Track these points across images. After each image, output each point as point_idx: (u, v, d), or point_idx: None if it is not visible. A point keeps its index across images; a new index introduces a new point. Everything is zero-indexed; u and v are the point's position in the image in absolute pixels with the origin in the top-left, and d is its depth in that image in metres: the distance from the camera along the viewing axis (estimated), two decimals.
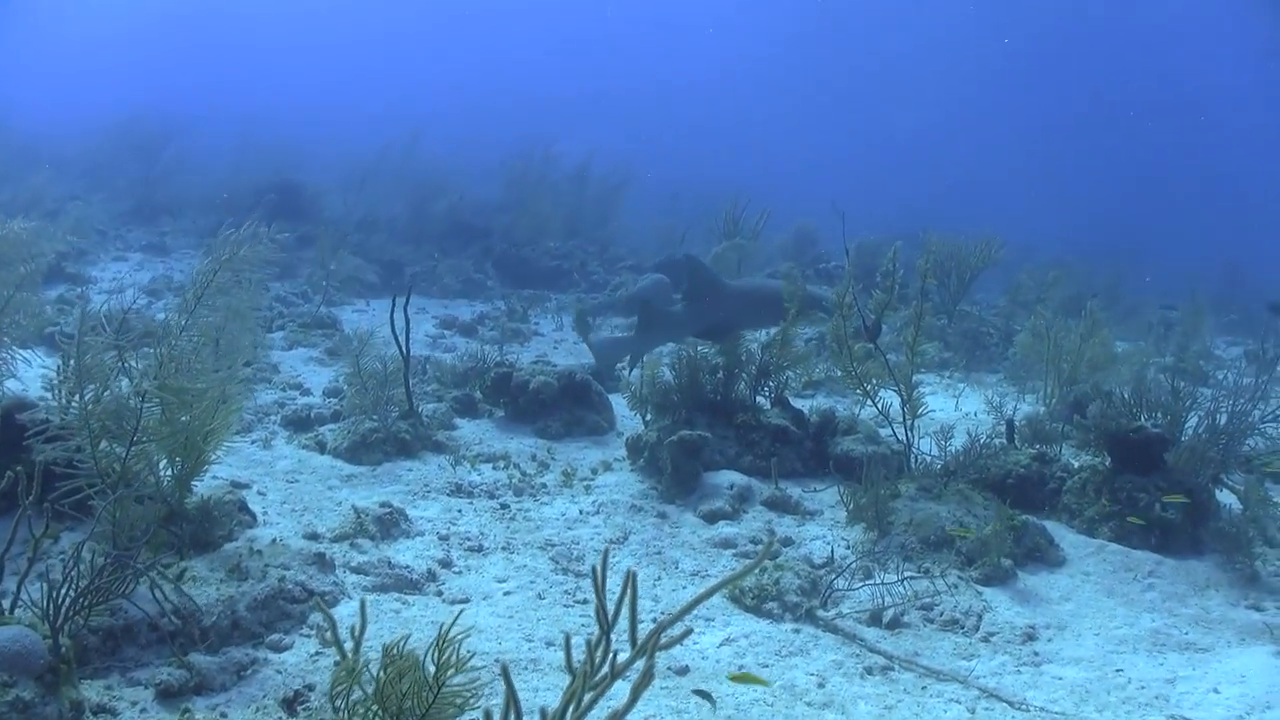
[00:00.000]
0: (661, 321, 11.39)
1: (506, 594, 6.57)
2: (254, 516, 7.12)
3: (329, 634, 4.28)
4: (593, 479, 8.94)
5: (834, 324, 9.16)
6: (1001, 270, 20.77)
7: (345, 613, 6.03)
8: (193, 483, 6.61)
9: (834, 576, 6.99)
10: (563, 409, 10.20)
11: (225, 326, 6.75)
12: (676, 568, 7.25)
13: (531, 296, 18.71)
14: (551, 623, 6.20)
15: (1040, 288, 18.35)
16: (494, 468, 9.00)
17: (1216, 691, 6.12)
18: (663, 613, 6.49)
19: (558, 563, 7.10)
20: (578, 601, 6.53)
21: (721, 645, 6.13)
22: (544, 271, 20.78)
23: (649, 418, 9.73)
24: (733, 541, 7.71)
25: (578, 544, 7.47)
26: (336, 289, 16.90)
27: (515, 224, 24.09)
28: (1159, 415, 9.24)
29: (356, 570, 6.60)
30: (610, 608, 3.43)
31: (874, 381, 9.15)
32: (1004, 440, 9.64)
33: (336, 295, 16.81)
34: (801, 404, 11.08)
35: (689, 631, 3.85)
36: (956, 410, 12.86)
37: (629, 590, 3.52)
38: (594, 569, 3.68)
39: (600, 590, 3.60)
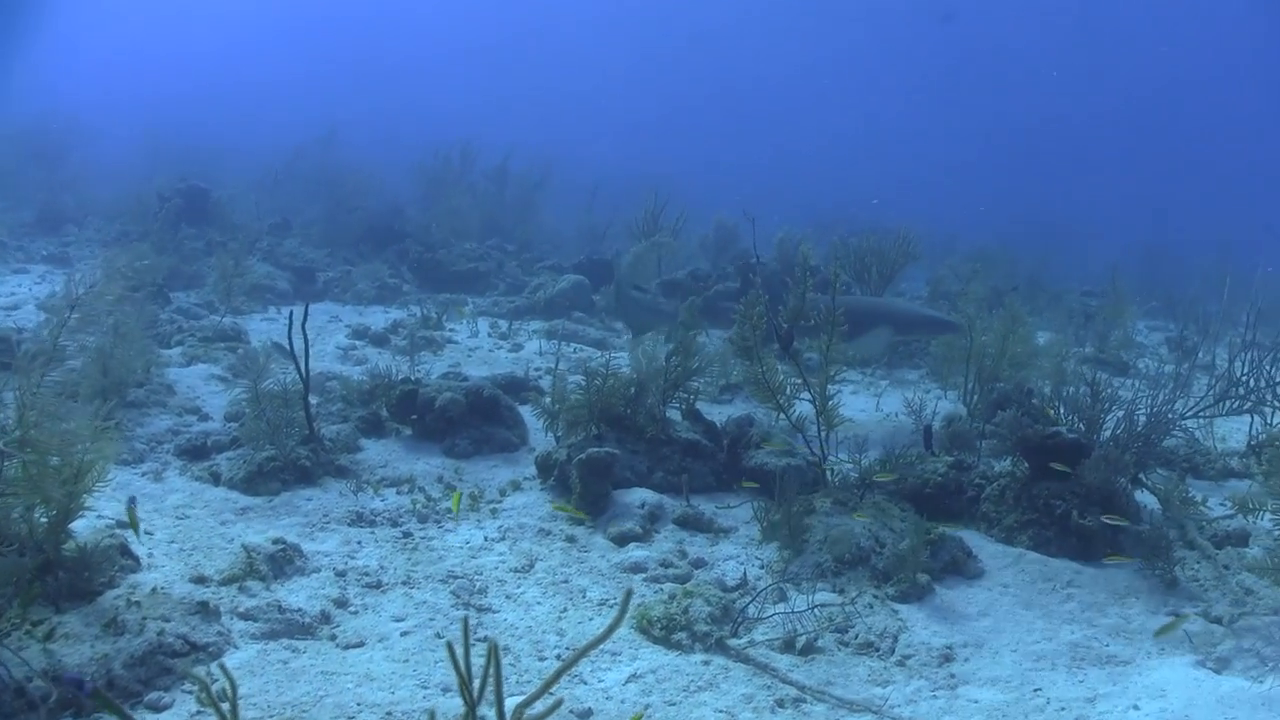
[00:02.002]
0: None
1: (404, 634, 6.29)
2: (137, 560, 6.74)
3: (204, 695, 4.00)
4: (500, 501, 8.65)
5: (739, 332, 8.95)
6: (930, 261, 20.77)
7: (234, 663, 5.74)
8: (70, 526, 6.26)
9: (747, 602, 6.78)
10: (471, 426, 9.87)
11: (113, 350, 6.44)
12: (584, 597, 7.00)
13: (448, 301, 18.35)
14: (450, 665, 5.94)
15: (960, 280, 18.20)
16: (398, 492, 8.67)
17: (1136, 708, 6.01)
18: (568, 648, 6.26)
19: (459, 597, 6.82)
20: (478, 640, 6.26)
21: (628, 682, 5.90)
22: (461, 274, 20.40)
23: (560, 434, 9.48)
24: (643, 565, 7.48)
25: (481, 574, 7.20)
26: (244, 298, 16.45)
27: (433, 225, 23.71)
28: (1076, 419, 9.13)
29: (245, 616, 6.27)
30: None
31: (787, 393, 8.95)
32: (922, 448, 9.48)
33: (244, 304, 16.38)
34: (720, 411, 10.89)
35: (559, 703, 3.62)
36: (878, 410, 12.70)
37: (492, 665, 3.29)
38: (449, 645, 3.44)
39: (460, 667, 3.35)
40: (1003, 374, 12.16)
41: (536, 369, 13.27)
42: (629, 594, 3.45)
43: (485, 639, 6.26)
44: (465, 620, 3.62)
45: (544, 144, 31.21)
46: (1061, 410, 9.58)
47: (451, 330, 16.19)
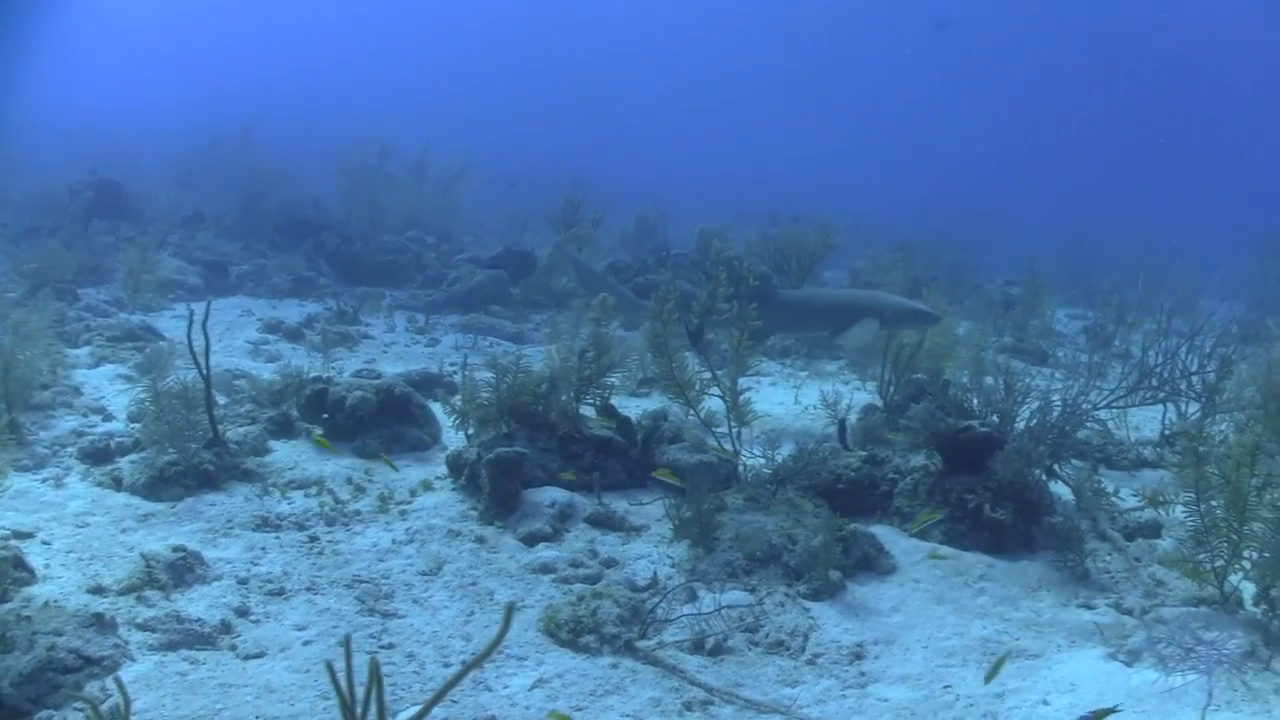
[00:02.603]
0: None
1: (306, 644, 6.15)
2: (32, 572, 6.57)
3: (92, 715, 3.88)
4: (411, 502, 8.52)
5: (651, 328, 8.88)
6: (852, 252, 20.81)
7: (130, 676, 5.58)
8: None
9: (656, 601, 6.71)
10: (382, 426, 9.73)
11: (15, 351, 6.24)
12: (492, 599, 6.90)
13: (365, 294, 18.15)
14: (351, 674, 5.83)
15: (880, 270, 18.20)
16: (306, 495, 8.50)
17: (1046, 703, 6.00)
18: (474, 653, 6.16)
19: (364, 603, 6.70)
20: (382, 647, 6.15)
21: (533, 688, 5.81)
22: (379, 266, 20.18)
23: (471, 432, 9.37)
24: (552, 566, 7.38)
25: (388, 579, 7.07)
26: (153, 294, 16.17)
27: (352, 217, 23.47)
28: (990, 412, 9.13)
29: (143, 627, 6.10)
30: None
31: (696, 388, 8.88)
32: (836, 442, 9.45)
33: (154, 301, 16.11)
34: (638, 405, 10.83)
35: None
36: (796, 403, 12.67)
37: (375, 684, 3.20)
38: (328, 665, 3.34)
39: (340, 688, 3.25)
40: (920, 365, 12.17)
41: (452, 364, 13.16)
42: (510, 610, 3.36)
43: (390, 646, 6.18)
44: (348, 639, 3.52)
45: (472, 140, 31.08)
46: (975, 403, 9.57)
47: (368, 324, 16.02)
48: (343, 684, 3.41)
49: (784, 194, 34.93)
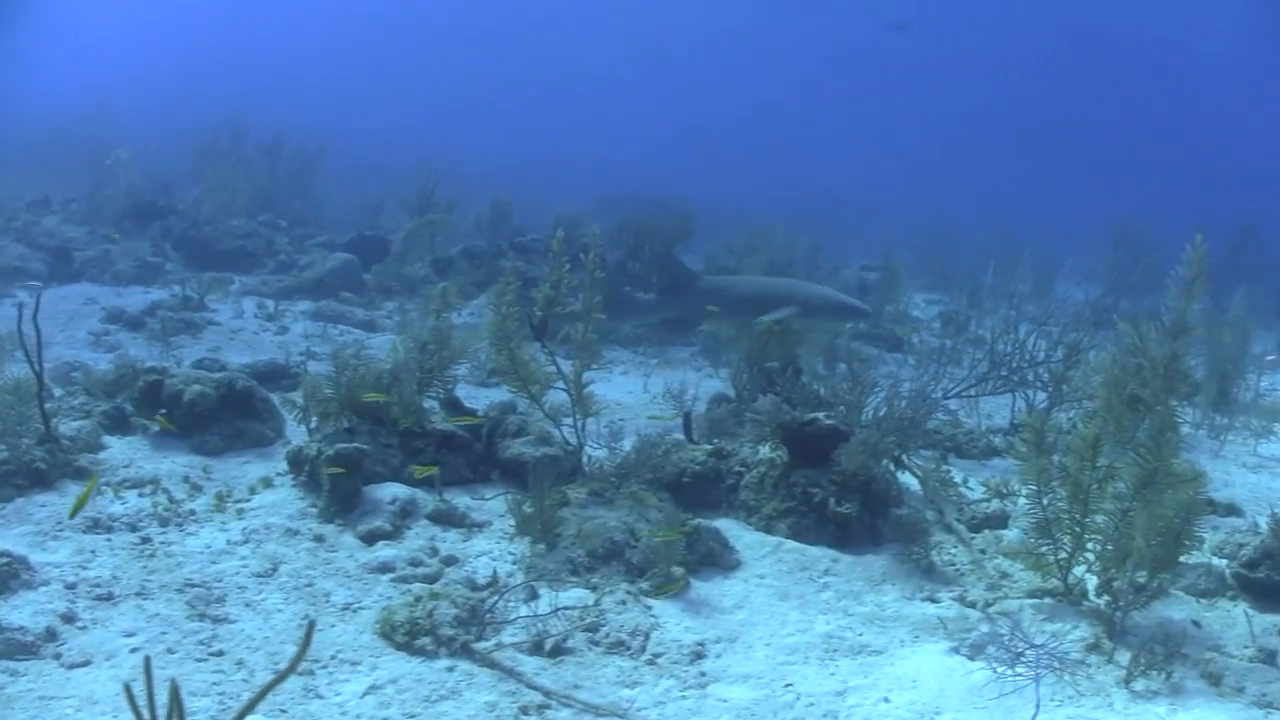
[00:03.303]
0: (630, 306, 13.01)
1: (133, 651, 5.97)
2: None
3: None
4: (249, 500, 8.30)
5: (493, 320, 8.78)
6: (709, 237, 20.86)
7: None
8: None
9: (494, 601, 6.62)
10: (223, 421, 9.50)
11: None
12: (328, 601, 6.77)
13: (212, 279, 17.75)
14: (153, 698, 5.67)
15: (734, 255, 18.21)
16: (140, 494, 8.25)
17: (887, 700, 6.03)
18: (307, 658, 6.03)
19: (194, 607, 6.51)
20: (212, 654, 5.99)
21: (365, 695, 5.69)
22: (229, 251, 19.75)
23: (313, 426, 9.19)
24: (391, 565, 7.26)
25: (220, 582, 6.88)
26: None
27: (202, 200, 22.94)
28: (838, 403, 9.18)
29: None
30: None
31: (541, 381, 8.78)
32: (682, 435, 9.42)
33: None
34: (485, 396, 10.72)
35: None
36: (645, 392, 12.64)
37: (175, 710, 3.09)
38: (126, 688, 3.23)
39: (138, 712, 3.14)
40: (773, 352, 12.21)
41: (300, 354, 12.93)
42: (311, 627, 3.26)
43: (219, 653, 6.03)
44: (147, 660, 3.39)
45: (333, 124, 30.65)
46: (821, 392, 9.62)
47: (214, 311, 15.67)
48: (143, 707, 3.28)
49: (654, 180, 34.90)
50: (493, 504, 8.51)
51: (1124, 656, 6.49)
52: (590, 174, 38.53)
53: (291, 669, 3.15)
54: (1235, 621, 7.32)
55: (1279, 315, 26.58)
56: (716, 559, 7.63)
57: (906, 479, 9.29)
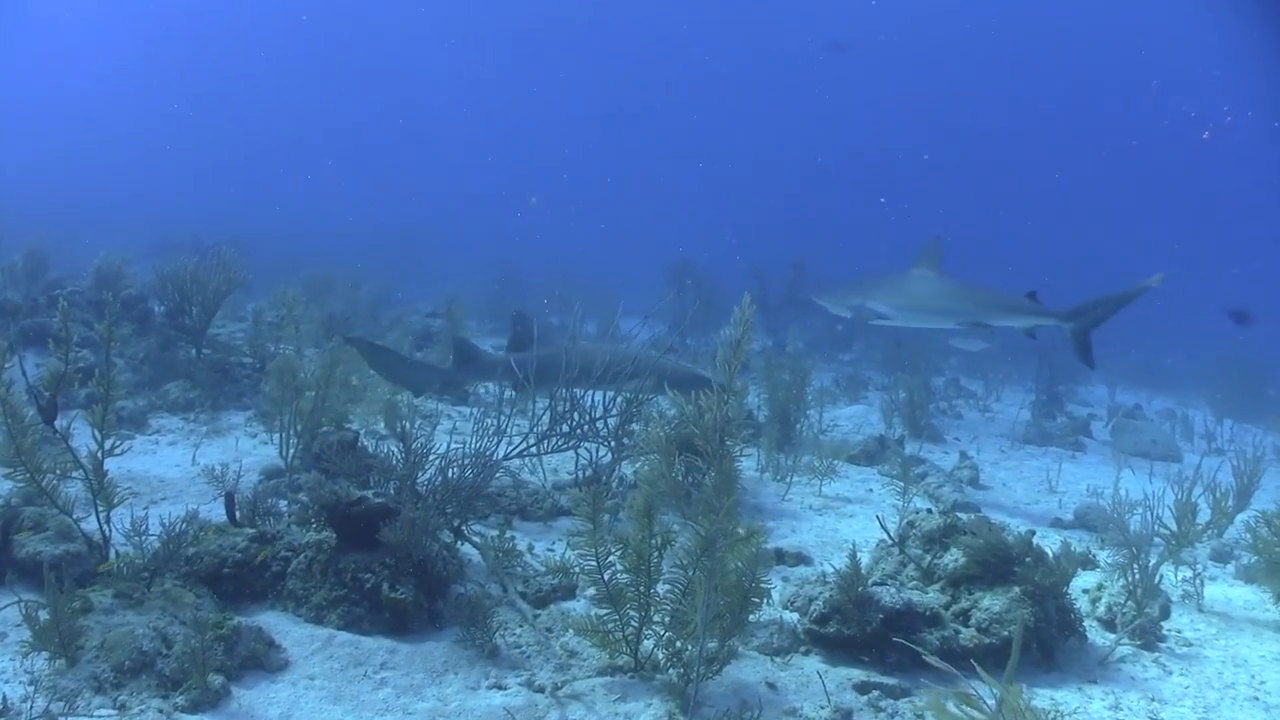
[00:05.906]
0: (479, 364, 13.38)
1: None
2: None
3: None
4: None
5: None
6: (264, 289, 19.97)
7: None
8: None
9: None
10: None
11: None
12: None
13: None
14: None
15: (282, 308, 17.15)
16: None
17: None
18: None
19: None
20: None
21: None
22: None
23: None
24: None
25: None
26: None
27: None
28: (388, 478, 8.63)
29: None
30: None
31: (57, 472, 7.72)
32: (224, 518, 8.61)
33: None
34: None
35: None
36: (194, 465, 11.51)
37: None
38: None
39: None
40: (329, 412, 11.56)
41: None
42: None
43: None
44: None
45: None
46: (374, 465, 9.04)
47: None
48: None
49: (220, 218, 33.62)
50: (6, 613, 7.42)
51: None
52: (145, 214, 36.90)
53: None
54: (810, 679, 7.25)
55: (837, 348, 27.81)
56: (261, 660, 6.89)
57: (469, 550, 8.83)
